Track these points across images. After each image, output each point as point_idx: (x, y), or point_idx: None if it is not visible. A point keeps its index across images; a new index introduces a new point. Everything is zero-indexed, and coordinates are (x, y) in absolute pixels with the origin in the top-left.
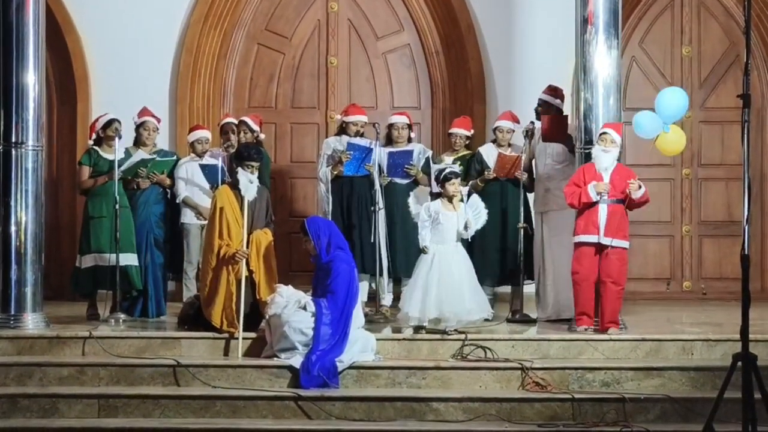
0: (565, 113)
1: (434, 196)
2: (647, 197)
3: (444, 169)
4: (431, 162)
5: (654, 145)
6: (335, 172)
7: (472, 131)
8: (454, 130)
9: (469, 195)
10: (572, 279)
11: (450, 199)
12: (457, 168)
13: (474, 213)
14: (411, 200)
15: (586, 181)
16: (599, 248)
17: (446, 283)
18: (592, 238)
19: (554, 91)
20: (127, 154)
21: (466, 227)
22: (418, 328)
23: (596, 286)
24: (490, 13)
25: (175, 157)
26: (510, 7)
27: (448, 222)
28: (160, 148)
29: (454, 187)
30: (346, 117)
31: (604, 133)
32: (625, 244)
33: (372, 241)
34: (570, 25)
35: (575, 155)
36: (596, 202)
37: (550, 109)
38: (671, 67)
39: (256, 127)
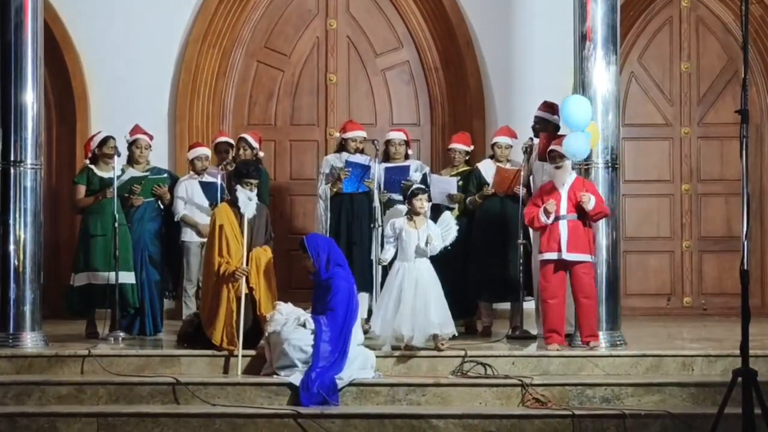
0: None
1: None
2: (603, 209)
3: (412, 185)
4: (428, 178)
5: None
6: (335, 189)
7: (472, 147)
8: (453, 145)
9: (470, 211)
10: (540, 296)
11: (414, 216)
12: (418, 182)
13: (443, 229)
14: (386, 219)
15: (544, 200)
16: (564, 264)
17: (407, 299)
18: (553, 255)
19: (550, 108)
20: (122, 172)
21: (427, 243)
22: (394, 348)
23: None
24: (488, 29)
25: (166, 175)
26: (509, 23)
27: (410, 238)
28: (154, 166)
29: (421, 203)
30: (345, 134)
31: (551, 150)
32: (586, 257)
33: (371, 258)
34: (569, 41)
35: None
36: (556, 219)
37: (547, 126)
38: (670, 82)
39: (255, 144)
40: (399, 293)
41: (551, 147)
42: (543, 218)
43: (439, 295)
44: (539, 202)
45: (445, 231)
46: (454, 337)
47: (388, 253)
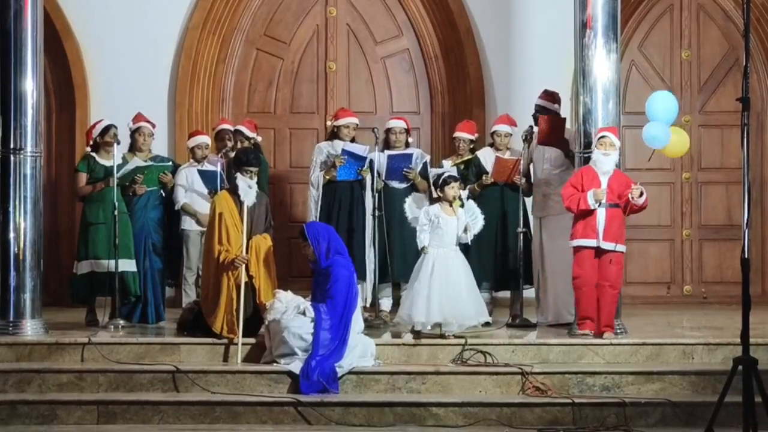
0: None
1: (433, 200)
2: (647, 204)
3: (443, 173)
4: (429, 167)
5: (660, 152)
6: (328, 177)
7: (477, 135)
8: (457, 134)
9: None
10: (573, 284)
11: (450, 203)
12: (455, 172)
13: (471, 218)
14: (407, 206)
15: (584, 185)
16: (597, 252)
17: (448, 287)
18: (591, 242)
19: (551, 96)
20: (124, 160)
21: (465, 231)
22: (417, 333)
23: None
24: (488, 17)
25: (170, 162)
26: (509, 11)
27: (448, 226)
28: (156, 154)
29: (454, 190)
30: (337, 121)
31: (603, 136)
32: (621, 248)
33: (369, 246)
34: (569, 29)
35: (573, 160)
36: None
37: (549, 114)
38: (671, 71)
39: (251, 134)
40: (439, 282)
41: (603, 133)
42: (591, 203)
43: (472, 284)
44: (579, 185)
45: (472, 219)
46: (486, 324)
47: (427, 240)
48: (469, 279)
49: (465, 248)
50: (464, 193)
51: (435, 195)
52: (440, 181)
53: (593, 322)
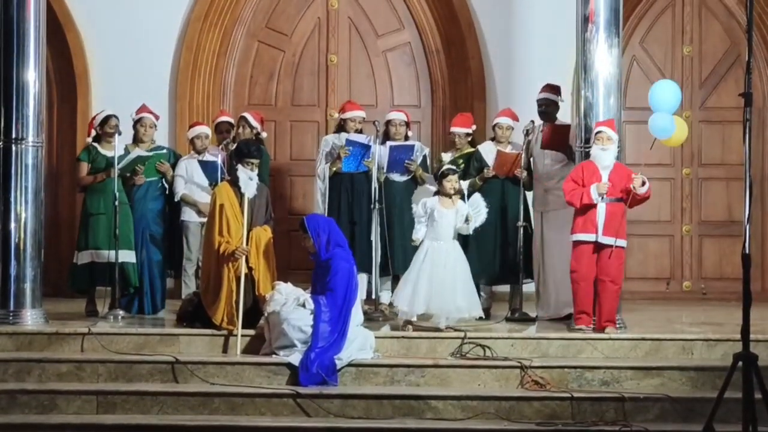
0: (567, 122)
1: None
2: (650, 194)
3: (442, 166)
4: (428, 159)
5: (662, 141)
6: (334, 168)
7: (474, 127)
8: (453, 129)
9: (469, 194)
10: (571, 278)
11: (448, 196)
12: (454, 165)
13: (474, 211)
14: (413, 198)
15: (585, 179)
16: (597, 247)
17: (437, 279)
18: (590, 237)
19: (555, 89)
20: (126, 151)
21: (467, 220)
22: (406, 323)
23: (594, 285)
24: (490, 11)
25: (165, 151)
26: (510, 5)
27: (444, 219)
28: (158, 145)
29: (451, 183)
30: (344, 114)
31: (600, 131)
32: (622, 243)
33: (371, 238)
34: (571, 23)
35: (574, 157)
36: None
37: (555, 108)
38: (672, 66)
39: (255, 124)
40: (428, 273)
41: (600, 128)
42: (595, 197)
43: (467, 277)
44: (580, 180)
45: (475, 212)
46: (480, 319)
47: (420, 233)
48: (464, 273)
49: (464, 241)
50: (465, 184)
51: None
52: (438, 173)
53: (590, 317)
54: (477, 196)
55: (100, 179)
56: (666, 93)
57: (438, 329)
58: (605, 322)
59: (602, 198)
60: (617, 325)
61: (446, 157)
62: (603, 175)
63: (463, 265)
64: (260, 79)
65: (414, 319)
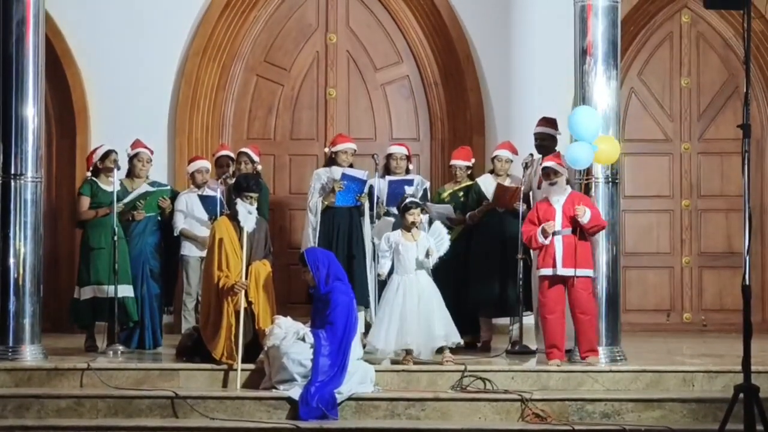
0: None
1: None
2: (599, 222)
3: (405, 199)
4: (429, 193)
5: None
6: (326, 203)
7: (473, 160)
8: (453, 162)
9: (430, 223)
10: (539, 312)
11: (409, 229)
12: (417, 198)
13: (436, 240)
14: (374, 231)
15: (539, 218)
16: (560, 280)
17: (411, 313)
18: (548, 272)
19: (551, 123)
20: (122, 186)
21: (427, 255)
22: (407, 354)
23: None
24: (488, 43)
25: (168, 188)
26: (508, 38)
27: (408, 252)
28: (154, 180)
29: (413, 216)
30: (334, 147)
31: (544, 167)
32: (586, 272)
33: (368, 273)
34: (569, 56)
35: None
36: (552, 235)
37: (553, 141)
38: (670, 98)
39: (256, 158)
40: (401, 307)
41: (545, 164)
42: (541, 239)
43: (441, 306)
44: (536, 220)
45: (438, 241)
46: (458, 346)
47: (385, 267)
48: (438, 301)
49: (465, 274)
50: (425, 218)
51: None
52: (401, 206)
53: (560, 351)
54: (438, 224)
55: (102, 214)
56: (583, 120)
57: (438, 363)
58: (586, 353)
59: (547, 237)
60: (616, 357)
61: (446, 190)
62: (557, 209)
63: (435, 293)
64: (259, 113)
65: (392, 356)
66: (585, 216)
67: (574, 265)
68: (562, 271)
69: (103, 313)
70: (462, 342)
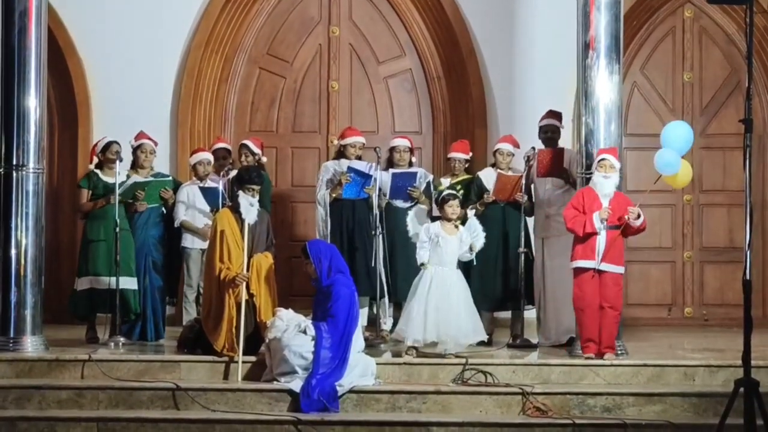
0: (561, 146)
1: (433, 218)
2: (645, 226)
3: (443, 191)
4: (432, 186)
5: (667, 179)
6: (334, 195)
7: (471, 154)
8: (452, 154)
9: (464, 218)
10: (575, 306)
11: (450, 221)
12: (455, 190)
13: (473, 235)
14: (409, 219)
15: (585, 206)
16: (597, 274)
17: (445, 306)
18: (590, 264)
19: (557, 115)
20: (128, 177)
21: (471, 250)
22: (414, 349)
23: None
24: (490, 37)
25: (170, 178)
26: (511, 31)
27: (448, 245)
28: (158, 171)
29: (452, 209)
30: (343, 140)
31: (603, 159)
32: (620, 269)
33: (372, 265)
34: (571, 50)
35: (574, 185)
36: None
37: (558, 134)
38: (672, 93)
39: (257, 150)
40: (435, 300)
41: (604, 156)
42: (597, 225)
43: (469, 302)
44: (580, 207)
45: (474, 236)
46: (481, 343)
47: (426, 257)
48: (468, 298)
49: (466, 268)
50: (470, 212)
51: (436, 214)
52: (439, 198)
53: (596, 344)
54: (473, 220)
55: (99, 205)
56: (680, 133)
57: (440, 356)
58: (605, 349)
59: (604, 225)
60: (617, 352)
61: (444, 182)
62: (603, 202)
63: (465, 290)
64: (261, 106)
65: (421, 345)
66: (640, 219)
67: (612, 261)
68: (602, 266)
69: (101, 305)
70: (486, 338)
